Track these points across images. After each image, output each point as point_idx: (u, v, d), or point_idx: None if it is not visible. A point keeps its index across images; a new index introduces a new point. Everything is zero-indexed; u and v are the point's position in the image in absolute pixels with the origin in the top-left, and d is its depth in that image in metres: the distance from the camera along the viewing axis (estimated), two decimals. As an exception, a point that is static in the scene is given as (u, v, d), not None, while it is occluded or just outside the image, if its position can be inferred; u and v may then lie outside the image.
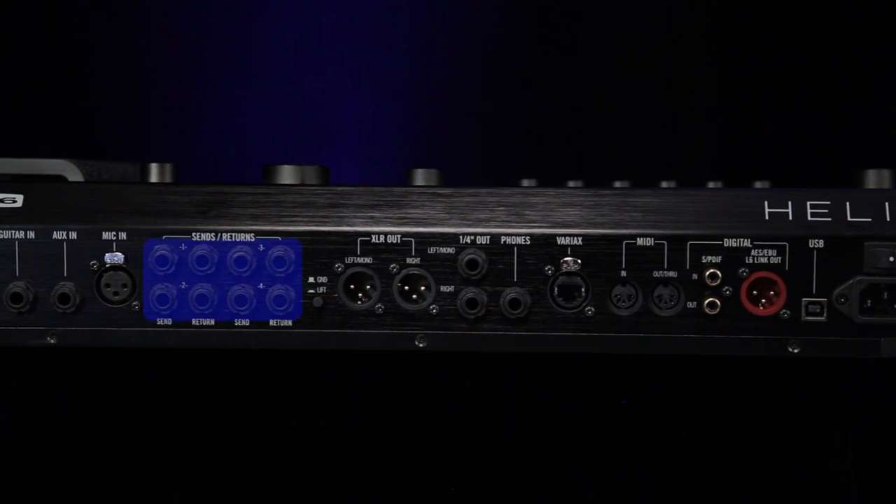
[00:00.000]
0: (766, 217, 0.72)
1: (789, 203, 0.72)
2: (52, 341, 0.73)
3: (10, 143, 1.01)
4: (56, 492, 0.79)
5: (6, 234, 0.72)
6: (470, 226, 0.72)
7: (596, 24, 1.03)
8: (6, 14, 1.02)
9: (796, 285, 0.71)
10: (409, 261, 0.72)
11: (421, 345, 0.73)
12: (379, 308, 0.73)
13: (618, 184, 0.79)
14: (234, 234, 0.72)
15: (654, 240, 0.72)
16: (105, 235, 0.72)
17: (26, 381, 0.81)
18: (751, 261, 0.71)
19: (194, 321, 0.73)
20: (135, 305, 0.73)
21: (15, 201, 0.73)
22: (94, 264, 0.72)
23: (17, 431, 0.80)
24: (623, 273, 0.72)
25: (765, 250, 0.71)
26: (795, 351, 0.72)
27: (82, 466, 0.79)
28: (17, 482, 0.79)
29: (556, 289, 0.72)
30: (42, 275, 0.73)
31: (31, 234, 0.72)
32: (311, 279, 0.73)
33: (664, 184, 0.80)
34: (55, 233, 0.72)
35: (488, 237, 0.72)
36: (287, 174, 0.76)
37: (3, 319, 0.73)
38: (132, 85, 1.03)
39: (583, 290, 0.72)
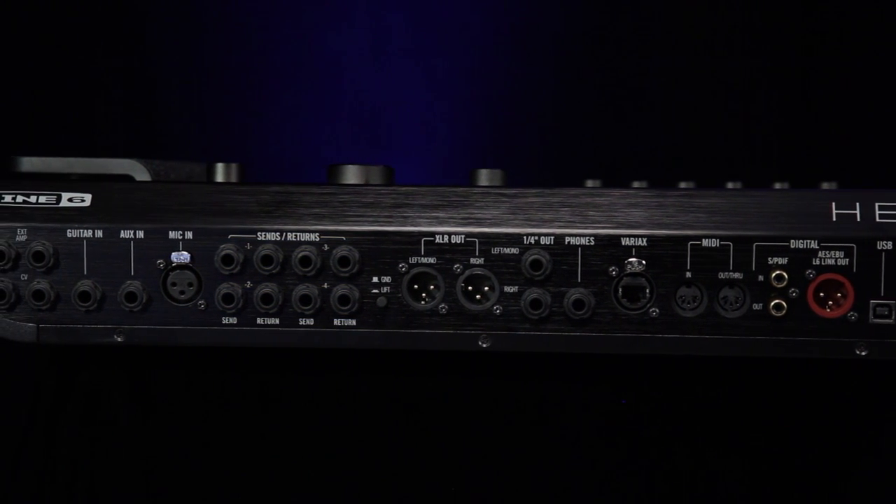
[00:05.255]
0: (834, 218, 0.71)
1: (857, 204, 0.71)
2: (119, 339, 0.74)
3: (78, 143, 1.02)
4: (121, 488, 0.80)
5: (74, 233, 0.73)
6: (534, 226, 0.72)
7: (661, 25, 1.02)
8: (74, 16, 1.03)
9: (864, 287, 0.71)
10: (472, 261, 0.72)
11: (484, 345, 0.73)
12: (442, 308, 0.73)
13: (683, 184, 0.79)
14: (298, 234, 0.73)
15: (720, 241, 0.71)
16: (172, 235, 0.73)
17: (93, 378, 0.82)
18: (818, 262, 0.71)
19: (259, 321, 0.73)
20: (201, 304, 0.73)
21: (83, 200, 0.74)
22: (160, 263, 0.73)
23: (84, 428, 0.81)
24: (688, 274, 0.71)
25: (832, 252, 0.71)
26: (863, 354, 0.71)
27: (147, 462, 0.80)
28: (83, 478, 0.80)
29: (620, 290, 0.72)
30: (109, 273, 0.73)
31: (99, 234, 0.73)
32: (374, 279, 0.73)
33: (730, 184, 0.80)
34: (122, 232, 0.73)
35: (552, 238, 0.72)
36: (352, 174, 0.77)
37: (71, 318, 0.74)
38: (198, 85, 1.04)
39: (647, 291, 0.72)
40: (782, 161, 1.01)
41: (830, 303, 0.71)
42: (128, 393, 0.82)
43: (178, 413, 0.82)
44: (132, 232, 0.73)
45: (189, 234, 0.73)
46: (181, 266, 0.73)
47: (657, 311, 0.72)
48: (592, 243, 0.72)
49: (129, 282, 0.73)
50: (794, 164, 1.01)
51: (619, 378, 0.81)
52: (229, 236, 0.73)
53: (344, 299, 0.72)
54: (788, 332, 0.71)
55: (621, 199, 0.73)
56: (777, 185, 0.80)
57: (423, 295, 0.73)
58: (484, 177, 0.77)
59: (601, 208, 0.72)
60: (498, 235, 0.72)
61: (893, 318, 0.71)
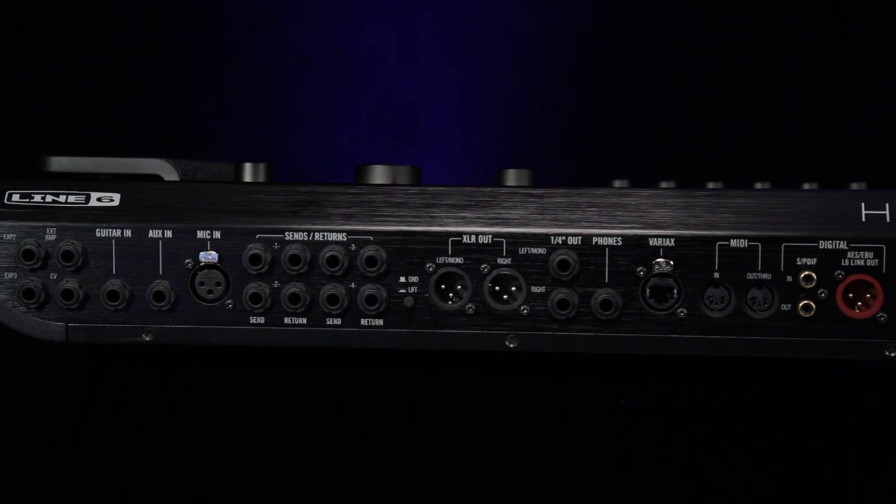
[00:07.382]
0: (863, 219, 0.71)
1: (886, 205, 0.71)
2: (147, 339, 0.74)
3: (107, 143, 1.03)
4: (149, 487, 0.80)
5: (103, 233, 0.73)
6: (561, 226, 0.72)
7: (688, 24, 1.02)
8: (102, 16, 1.03)
9: (894, 288, 0.70)
10: (500, 261, 0.72)
11: (511, 345, 0.73)
12: (470, 308, 0.73)
13: (711, 184, 0.79)
14: (326, 234, 0.73)
15: (748, 241, 0.71)
16: (200, 234, 0.73)
17: (121, 377, 0.82)
18: (847, 263, 0.70)
19: (286, 320, 0.73)
20: (228, 304, 0.73)
21: (112, 200, 0.74)
22: (188, 263, 0.73)
23: (112, 427, 0.81)
24: (716, 275, 0.71)
25: (861, 252, 0.70)
26: (892, 355, 0.71)
27: (174, 462, 0.80)
28: (111, 477, 0.80)
29: (647, 290, 0.72)
30: (138, 273, 0.74)
31: (128, 233, 0.73)
32: (402, 279, 0.73)
33: (758, 185, 0.79)
34: (151, 231, 0.73)
35: (580, 238, 0.72)
36: (379, 174, 0.77)
37: (100, 317, 0.74)
38: (226, 84, 1.05)
39: (675, 291, 0.72)
40: (811, 161, 1.01)
41: (859, 304, 0.71)
42: (156, 391, 0.82)
43: (206, 411, 0.82)
44: (160, 231, 0.73)
45: (217, 234, 0.73)
46: (209, 266, 0.73)
47: (685, 311, 0.72)
48: (620, 243, 0.72)
49: (157, 281, 0.73)
50: (823, 164, 1.00)
51: (642, 379, 0.81)
52: (257, 236, 0.73)
53: (371, 299, 0.73)
54: (817, 333, 0.71)
55: (649, 199, 0.72)
56: (806, 186, 0.79)
57: (451, 295, 0.73)
58: (511, 177, 0.77)
59: (628, 208, 0.72)
60: (525, 235, 0.72)
61: (923, 319, 0.70)
